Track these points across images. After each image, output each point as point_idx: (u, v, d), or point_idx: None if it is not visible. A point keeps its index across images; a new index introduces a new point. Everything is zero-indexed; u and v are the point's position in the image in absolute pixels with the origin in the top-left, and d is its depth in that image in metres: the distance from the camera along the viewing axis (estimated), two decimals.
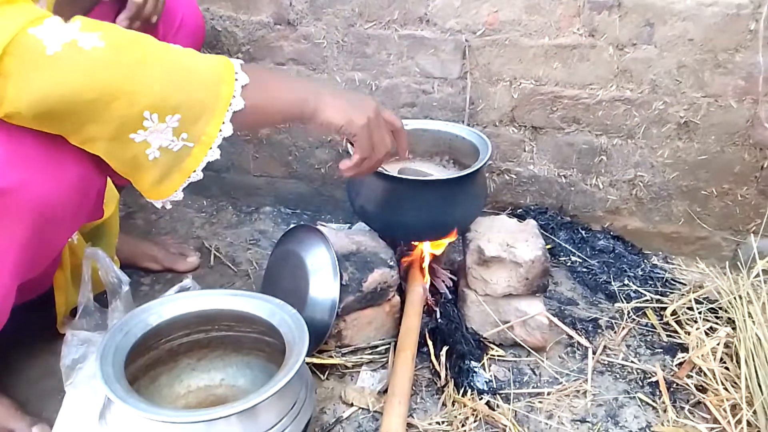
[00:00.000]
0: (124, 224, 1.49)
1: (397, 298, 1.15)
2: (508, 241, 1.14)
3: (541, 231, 1.41)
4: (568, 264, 1.39)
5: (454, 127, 1.28)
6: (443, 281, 1.25)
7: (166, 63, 0.67)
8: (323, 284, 1.05)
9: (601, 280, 1.34)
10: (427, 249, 1.22)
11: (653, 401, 1.03)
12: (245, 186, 1.58)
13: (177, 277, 1.30)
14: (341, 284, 1.05)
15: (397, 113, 1.42)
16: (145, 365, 0.93)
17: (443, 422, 0.98)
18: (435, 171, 1.28)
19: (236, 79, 0.71)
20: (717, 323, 1.17)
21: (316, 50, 1.39)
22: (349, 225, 1.45)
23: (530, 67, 1.32)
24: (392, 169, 1.21)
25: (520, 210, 1.47)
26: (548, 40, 1.29)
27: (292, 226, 1.19)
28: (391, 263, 1.11)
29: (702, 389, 1.04)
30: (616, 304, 1.26)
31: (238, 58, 1.42)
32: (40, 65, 0.61)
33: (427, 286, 1.19)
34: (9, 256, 0.74)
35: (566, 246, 1.42)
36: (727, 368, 1.05)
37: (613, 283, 1.32)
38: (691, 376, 1.06)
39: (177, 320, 0.93)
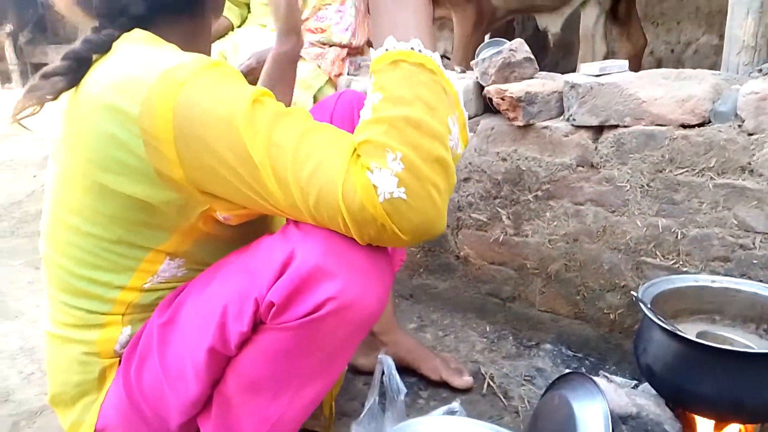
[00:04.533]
0: (415, 335, 1.63)
1: None
2: None
3: None
4: None
5: None
6: None
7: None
8: None
9: None
10: None
11: None
12: (528, 319, 1.58)
13: (452, 397, 1.34)
14: None
15: (707, 266, 1.28)
16: None
17: None
18: (746, 339, 1.09)
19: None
20: None
21: (618, 193, 1.36)
22: (636, 382, 1.31)
23: None
24: (691, 330, 1.08)
25: None
26: None
27: (568, 371, 1.14)
28: None
29: None
30: None
31: (536, 195, 1.49)
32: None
33: None
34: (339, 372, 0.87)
35: None
36: None
37: None
38: None
39: None
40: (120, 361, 0.92)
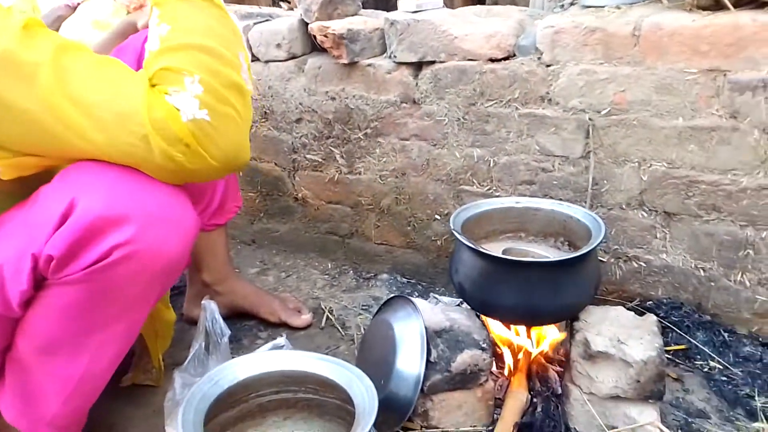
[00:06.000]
0: (257, 279, 1.63)
1: (491, 383, 1.10)
2: (619, 336, 1.04)
3: (675, 329, 1.28)
4: (705, 370, 1.22)
5: (569, 207, 1.23)
6: (549, 374, 1.17)
7: None
8: (410, 358, 1.04)
9: (742, 393, 1.15)
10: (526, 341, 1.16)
11: None
12: (366, 252, 1.64)
13: (292, 334, 1.37)
14: (428, 361, 1.03)
15: (516, 190, 1.40)
16: (236, 417, 0.99)
17: None
18: (547, 252, 1.22)
19: None
20: None
21: (438, 127, 1.43)
22: (461, 300, 1.43)
23: (662, 148, 1.23)
24: (499, 248, 1.19)
25: (650, 303, 1.33)
26: (682, 122, 1.19)
27: (391, 296, 1.21)
28: (484, 345, 1.07)
29: None
30: (755, 424, 1.07)
31: (366, 133, 1.52)
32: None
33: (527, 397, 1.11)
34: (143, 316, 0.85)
35: (704, 349, 1.25)
36: None
37: (757, 398, 1.13)
38: None
39: (265, 377, 0.98)
40: None
